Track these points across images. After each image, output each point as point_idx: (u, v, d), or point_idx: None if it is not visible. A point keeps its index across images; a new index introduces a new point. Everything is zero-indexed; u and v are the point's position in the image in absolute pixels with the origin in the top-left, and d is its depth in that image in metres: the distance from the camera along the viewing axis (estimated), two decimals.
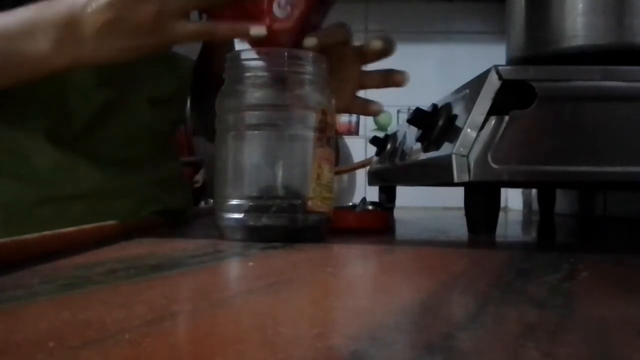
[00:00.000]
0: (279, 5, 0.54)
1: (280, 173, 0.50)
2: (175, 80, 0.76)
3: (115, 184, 0.68)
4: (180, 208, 0.78)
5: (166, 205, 0.74)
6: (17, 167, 0.63)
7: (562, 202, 1.18)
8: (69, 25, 0.53)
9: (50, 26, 0.53)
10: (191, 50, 0.78)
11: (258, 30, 0.52)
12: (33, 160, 0.64)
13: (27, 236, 0.39)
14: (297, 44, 0.56)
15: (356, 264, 0.43)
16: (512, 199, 1.45)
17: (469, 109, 0.55)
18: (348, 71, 0.66)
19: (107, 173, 0.67)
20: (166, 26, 0.53)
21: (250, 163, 0.50)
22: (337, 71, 0.66)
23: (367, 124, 1.85)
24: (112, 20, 0.52)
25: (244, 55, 0.51)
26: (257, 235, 0.49)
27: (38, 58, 0.54)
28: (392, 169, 0.81)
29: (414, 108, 0.63)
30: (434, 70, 1.78)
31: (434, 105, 0.63)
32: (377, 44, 0.63)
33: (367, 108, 0.69)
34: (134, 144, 0.71)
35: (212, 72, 0.84)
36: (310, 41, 0.57)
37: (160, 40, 0.54)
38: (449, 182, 0.54)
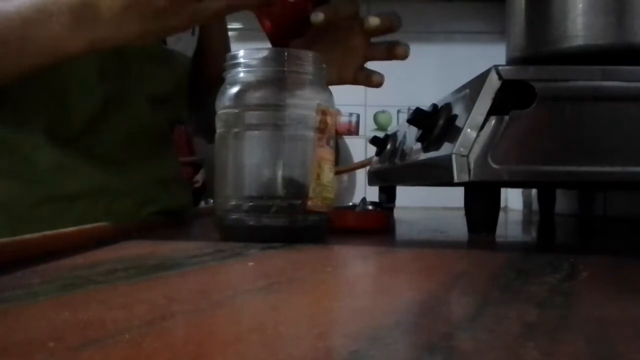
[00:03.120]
0: None
1: (280, 173, 0.50)
2: (174, 78, 0.76)
3: (115, 183, 0.68)
4: (181, 208, 0.78)
5: (166, 205, 0.74)
6: (18, 167, 0.63)
7: (562, 202, 1.18)
8: (86, 8, 0.51)
9: (65, 9, 0.51)
10: (187, 49, 0.78)
11: None
12: (33, 160, 0.63)
13: (27, 236, 0.39)
14: (304, 17, 0.56)
15: (356, 264, 0.43)
16: (512, 199, 1.44)
17: (469, 109, 0.55)
18: (355, 42, 0.66)
19: (107, 172, 0.67)
20: (188, 8, 0.50)
21: (250, 163, 0.50)
22: (344, 41, 0.66)
23: (367, 124, 1.85)
24: (132, 3, 0.50)
25: (244, 55, 0.51)
26: (257, 235, 0.49)
27: (54, 42, 0.53)
28: (392, 169, 0.81)
29: (414, 108, 0.63)
30: (434, 70, 1.78)
31: (434, 105, 0.63)
32: (373, 22, 0.62)
33: (370, 79, 0.68)
34: (133, 143, 0.71)
35: (207, 71, 0.84)
36: (317, 17, 0.57)
37: (183, 23, 0.52)
38: (449, 182, 0.54)
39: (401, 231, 0.74)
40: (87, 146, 0.66)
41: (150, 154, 0.74)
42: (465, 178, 0.53)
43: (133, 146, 0.71)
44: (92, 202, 0.66)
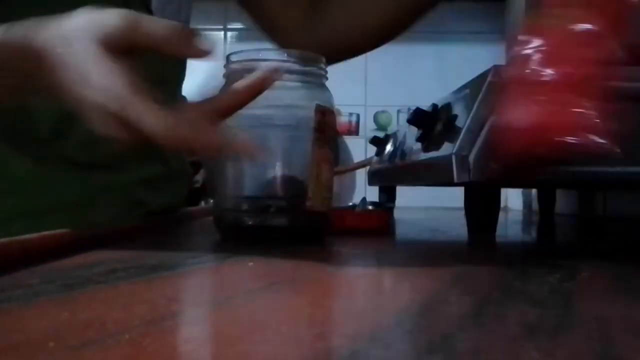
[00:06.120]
0: None
1: (279, 173, 0.50)
2: (162, 57, 0.68)
3: (93, 191, 0.63)
4: (170, 207, 0.74)
5: (157, 205, 0.70)
6: None
7: (562, 202, 1.18)
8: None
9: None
10: (179, 13, 0.70)
11: None
12: (5, 173, 0.60)
13: (27, 236, 0.39)
14: None
15: (356, 264, 0.43)
16: (512, 199, 1.44)
17: (469, 109, 0.55)
18: None
19: (84, 180, 0.63)
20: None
21: (250, 163, 0.50)
22: None
23: (367, 124, 1.85)
24: None
25: (243, 55, 0.51)
26: (257, 235, 0.49)
27: None
28: (392, 169, 0.81)
29: (414, 108, 0.63)
30: (433, 70, 1.79)
31: (434, 105, 0.63)
32: None
33: None
34: (108, 142, 0.65)
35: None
36: None
37: None
38: (449, 182, 0.54)
39: (401, 231, 0.74)
40: (60, 151, 0.61)
41: (130, 154, 0.66)
42: (465, 178, 0.53)
43: (108, 145, 0.65)
44: (71, 214, 0.60)
